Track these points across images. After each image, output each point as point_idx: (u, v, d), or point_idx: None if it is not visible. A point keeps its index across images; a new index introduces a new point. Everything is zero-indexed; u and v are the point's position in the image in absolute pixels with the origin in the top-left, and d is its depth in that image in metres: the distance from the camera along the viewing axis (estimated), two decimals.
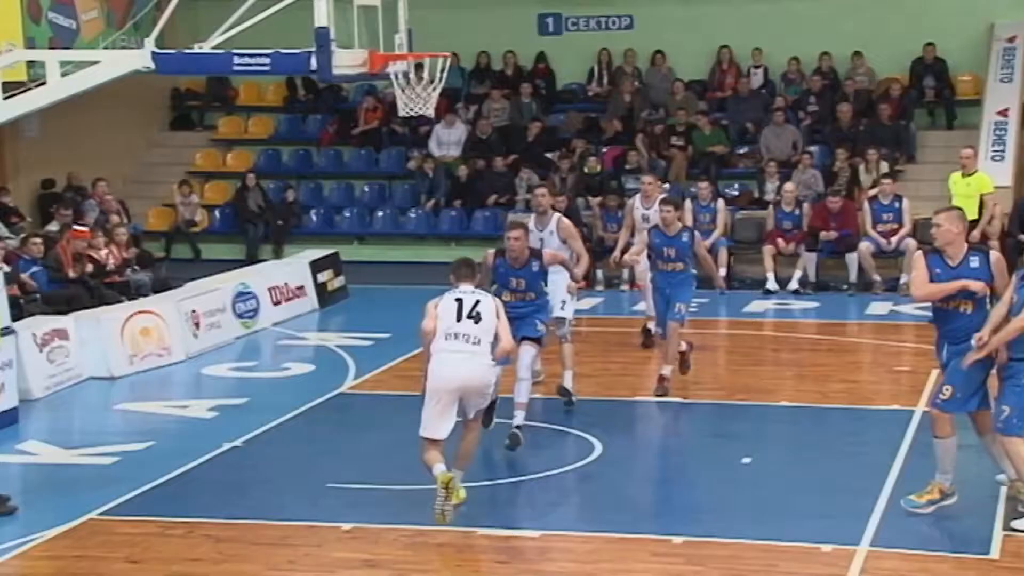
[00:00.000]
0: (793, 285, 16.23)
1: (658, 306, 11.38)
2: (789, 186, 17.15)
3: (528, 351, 9.76)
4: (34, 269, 13.86)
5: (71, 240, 14.59)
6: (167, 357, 12.87)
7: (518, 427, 9.58)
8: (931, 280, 7.91)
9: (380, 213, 19.64)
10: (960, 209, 8.39)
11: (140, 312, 12.93)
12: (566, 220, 10.95)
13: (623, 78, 20.01)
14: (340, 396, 11.44)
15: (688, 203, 16.99)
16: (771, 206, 17.25)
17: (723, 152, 19.07)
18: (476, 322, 8.05)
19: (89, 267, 14.55)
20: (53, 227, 16.06)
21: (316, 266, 16.02)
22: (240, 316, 14.24)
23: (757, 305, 15.59)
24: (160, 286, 14.95)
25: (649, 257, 11.38)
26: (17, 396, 10.79)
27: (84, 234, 14.80)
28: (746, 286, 16.56)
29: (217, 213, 19.87)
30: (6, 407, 10.55)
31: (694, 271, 11.30)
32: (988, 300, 8.04)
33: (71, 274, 14.24)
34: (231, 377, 12.52)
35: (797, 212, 16.91)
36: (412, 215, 19.48)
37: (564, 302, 10.71)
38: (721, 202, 17.13)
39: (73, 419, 11.42)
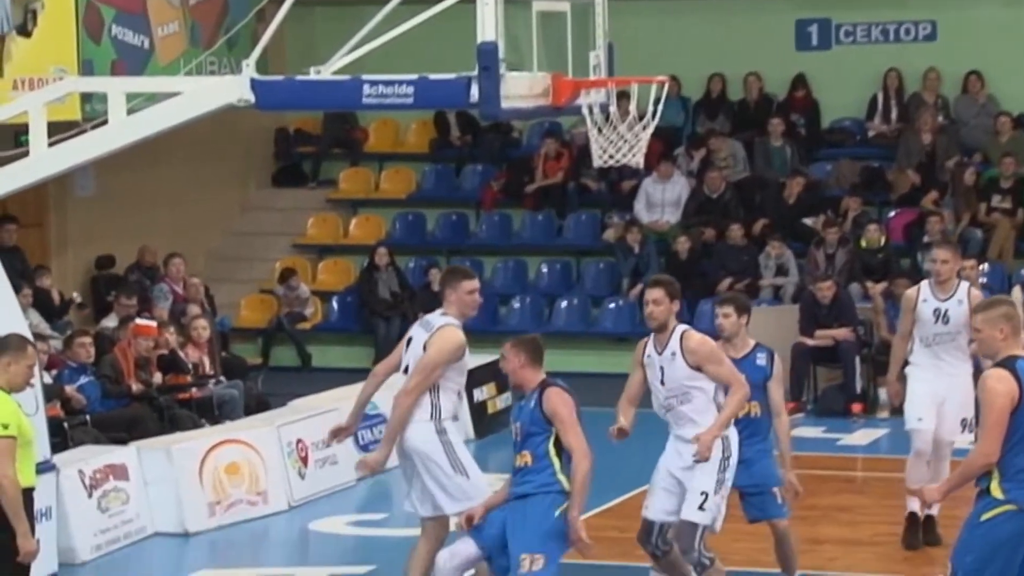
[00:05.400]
0: None
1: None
2: None
3: None
4: (83, 380, 14.36)
5: (133, 340, 15.09)
6: (262, 506, 13.12)
7: None
8: None
9: (564, 303, 19.78)
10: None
11: (226, 441, 13.25)
12: (699, 337, 9.89)
13: (921, 110, 19.92)
14: None
15: (1019, 292, 16.67)
16: None
17: None
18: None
19: (158, 377, 15.01)
20: (110, 322, 16.60)
21: (472, 378, 16.13)
22: (364, 448, 14.46)
23: None
24: (255, 405, 15.35)
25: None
26: (56, 558, 11.04)
27: (151, 330, 15.26)
28: None
29: (335, 303, 20.33)
30: (42, 574, 10.75)
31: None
32: None
33: (133, 387, 14.72)
34: (350, 535, 12.70)
35: None
36: (610, 306, 19.58)
37: (705, 495, 9.37)
38: None
39: None
